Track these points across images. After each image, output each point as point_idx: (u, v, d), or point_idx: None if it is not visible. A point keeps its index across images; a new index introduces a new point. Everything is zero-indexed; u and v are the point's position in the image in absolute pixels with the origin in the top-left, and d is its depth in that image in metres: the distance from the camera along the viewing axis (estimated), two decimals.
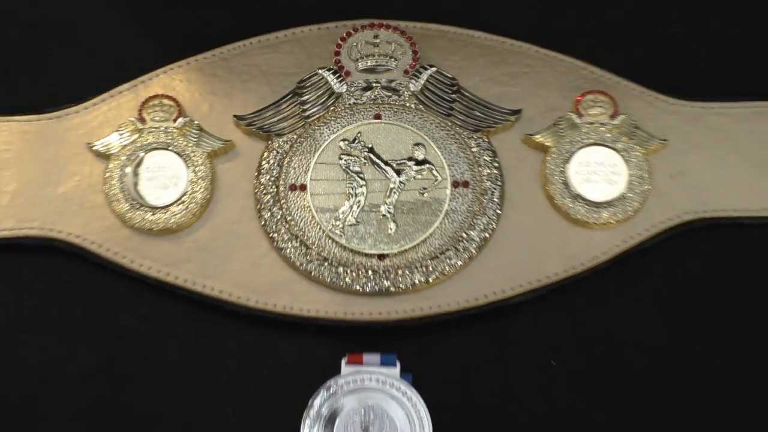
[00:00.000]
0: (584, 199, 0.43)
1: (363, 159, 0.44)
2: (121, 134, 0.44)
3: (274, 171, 0.44)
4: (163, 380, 0.42)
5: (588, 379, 0.42)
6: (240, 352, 0.43)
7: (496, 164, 0.44)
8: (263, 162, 0.44)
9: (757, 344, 0.44)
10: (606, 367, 0.43)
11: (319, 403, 0.41)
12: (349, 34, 0.47)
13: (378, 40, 0.47)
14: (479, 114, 0.45)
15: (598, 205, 0.43)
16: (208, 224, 0.44)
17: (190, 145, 0.44)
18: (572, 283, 0.43)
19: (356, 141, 0.44)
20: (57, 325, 0.43)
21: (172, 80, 0.46)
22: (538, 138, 0.45)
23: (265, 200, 0.43)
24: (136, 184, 0.43)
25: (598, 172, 0.44)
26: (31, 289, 0.44)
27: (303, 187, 0.43)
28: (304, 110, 0.45)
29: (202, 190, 0.43)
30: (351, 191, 0.43)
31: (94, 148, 0.44)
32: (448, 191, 0.43)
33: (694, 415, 0.43)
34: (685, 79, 0.48)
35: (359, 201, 0.44)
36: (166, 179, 0.43)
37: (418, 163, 0.44)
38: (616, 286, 0.44)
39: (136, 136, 0.44)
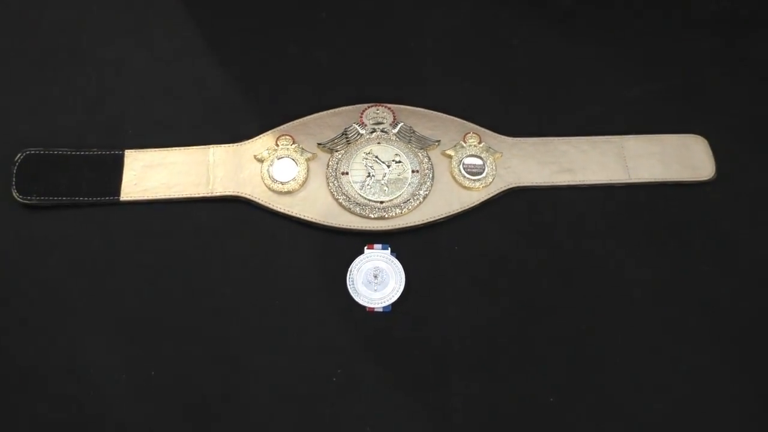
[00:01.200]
0: (468, 178, 0.83)
1: (373, 160, 0.84)
2: (268, 151, 0.84)
3: (334, 166, 0.83)
4: (279, 254, 0.81)
5: (471, 253, 0.81)
6: (321, 247, 0.81)
7: (430, 163, 0.84)
8: (329, 162, 0.84)
9: (541, 227, 0.83)
10: (479, 245, 0.81)
11: (355, 265, 0.80)
12: (366, 109, 0.87)
13: (378, 111, 0.87)
14: (422, 142, 0.85)
15: (474, 180, 0.83)
16: (305, 190, 0.83)
17: (298, 155, 0.84)
18: (464, 213, 0.83)
19: (370, 153, 0.84)
20: (238, 231, 0.82)
21: (290, 128, 0.86)
22: (448, 152, 0.85)
23: (331, 179, 0.83)
24: (272, 172, 0.83)
25: (474, 167, 0.84)
26: (229, 219, 0.82)
27: (347, 173, 0.83)
28: (348, 140, 0.85)
29: (303, 175, 0.83)
30: (369, 174, 0.83)
31: (256, 157, 0.84)
32: (409, 174, 0.83)
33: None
34: (509, 127, 0.88)
35: (372, 178, 0.83)
36: (286, 170, 0.83)
37: (397, 162, 0.84)
38: (481, 212, 0.83)
39: (274, 152, 0.84)
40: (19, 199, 0.82)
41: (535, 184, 0.86)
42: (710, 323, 0.80)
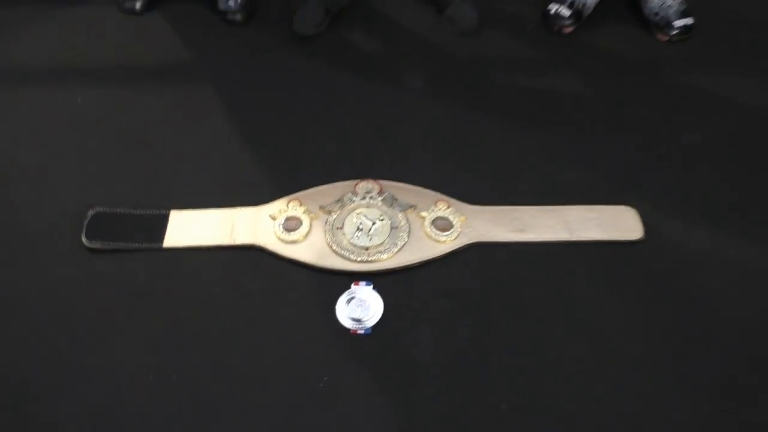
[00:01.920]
0: (439, 234, 1.06)
1: (363, 218, 1.07)
2: (279, 211, 1.09)
3: (332, 222, 1.08)
4: (284, 289, 1.02)
5: (439, 290, 1.01)
6: (317, 282, 1.03)
7: (408, 223, 1.07)
8: (328, 219, 1.09)
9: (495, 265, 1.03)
10: (446, 285, 1.01)
11: (344, 297, 1.00)
12: (359, 182, 1.12)
13: (368, 184, 1.12)
14: (402, 206, 1.09)
15: (443, 236, 1.06)
16: (308, 240, 1.07)
17: (304, 215, 1.08)
18: (434, 260, 1.04)
19: (360, 213, 1.08)
20: (253, 271, 1.06)
21: (298, 196, 1.10)
22: (422, 214, 1.08)
23: (328, 232, 1.06)
24: (282, 227, 1.07)
25: (444, 227, 1.08)
26: (246, 262, 1.05)
27: (341, 228, 1.07)
28: (343, 204, 1.09)
29: (306, 229, 1.07)
30: (358, 227, 1.06)
31: (270, 216, 1.08)
32: (389, 229, 1.07)
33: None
34: (472, 199, 1.10)
35: (360, 231, 1.06)
36: (294, 226, 1.07)
37: (381, 220, 1.07)
38: (448, 260, 1.04)
39: (285, 212, 1.09)
40: (86, 243, 1.06)
41: (492, 240, 1.07)
42: (640, 350, 0.97)
